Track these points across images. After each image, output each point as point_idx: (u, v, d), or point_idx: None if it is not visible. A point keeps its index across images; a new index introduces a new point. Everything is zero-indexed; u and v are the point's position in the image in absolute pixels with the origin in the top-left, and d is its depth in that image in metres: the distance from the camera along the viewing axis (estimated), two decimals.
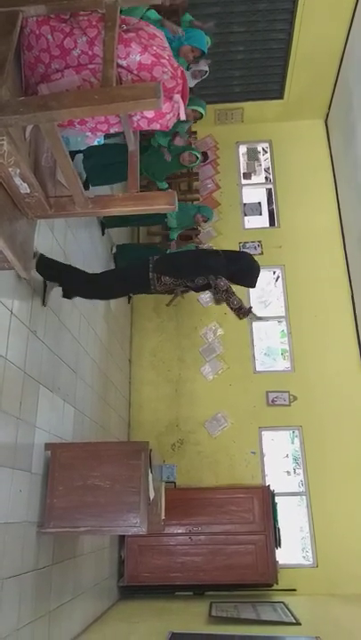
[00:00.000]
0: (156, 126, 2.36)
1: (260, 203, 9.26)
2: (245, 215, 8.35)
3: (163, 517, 4.24)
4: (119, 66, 2.13)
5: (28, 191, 2.24)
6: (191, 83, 5.00)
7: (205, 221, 6.37)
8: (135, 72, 2.16)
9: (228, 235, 7.72)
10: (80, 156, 4.55)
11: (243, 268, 3.67)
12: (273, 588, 5.59)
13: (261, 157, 9.11)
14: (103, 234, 5.66)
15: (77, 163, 4.58)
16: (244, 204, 8.40)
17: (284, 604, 4.98)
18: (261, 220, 8.92)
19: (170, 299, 7.07)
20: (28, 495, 3.14)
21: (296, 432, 6.94)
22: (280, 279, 7.76)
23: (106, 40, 2.08)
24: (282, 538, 5.75)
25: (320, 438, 6.50)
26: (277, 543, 5.64)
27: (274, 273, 8.28)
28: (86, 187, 4.70)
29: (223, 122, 8.39)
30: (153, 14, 4.02)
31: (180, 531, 5.65)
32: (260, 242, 7.65)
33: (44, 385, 3.51)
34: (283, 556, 5.89)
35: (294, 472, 8.74)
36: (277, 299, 8.06)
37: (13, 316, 3.06)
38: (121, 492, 3.33)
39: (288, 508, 7.21)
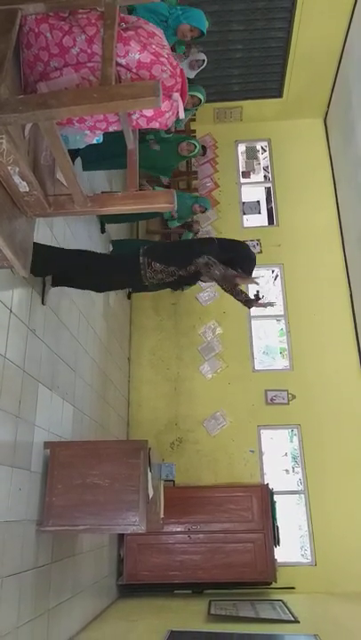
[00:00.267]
0: (156, 125, 2.35)
1: (258, 201, 9.27)
2: (244, 214, 8.36)
3: (162, 516, 4.25)
4: (118, 64, 2.13)
5: (27, 190, 2.24)
6: (190, 74, 4.96)
7: (203, 212, 6.35)
8: (134, 70, 2.16)
9: (227, 233, 7.69)
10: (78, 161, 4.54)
11: (237, 257, 3.58)
12: (272, 586, 5.61)
13: (260, 156, 9.10)
14: (103, 232, 5.65)
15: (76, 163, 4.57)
16: (243, 203, 8.40)
17: (283, 602, 4.98)
18: (260, 219, 8.92)
19: (169, 299, 7.08)
20: (27, 493, 3.15)
21: (295, 430, 6.95)
22: (279, 278, 7.76)
23: (105, 38, 2.08)
24: (280, 536, 5.76)
25: (319, 437, 6.51)
26: (276, 541, 5.65)
27: (273, 272, 8.29)
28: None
29: (222, 120, 8.38)
30: None
31: (178, 529, 5.65)
32: (258, 240, 7.65)
33: (43, 383, 3.51)
34: (281, 554, 5.90)
35: (293, 470, 8.75)
36: (276, 297, 8.05)
37: (12, 315, 3.06)
38: (120, 491, 3.34)
39: (287, 506, 7.23)
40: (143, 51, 2.16)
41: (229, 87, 7.91)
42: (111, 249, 6.00)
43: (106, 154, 4.38)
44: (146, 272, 3.39)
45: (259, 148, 8.97)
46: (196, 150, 5.43)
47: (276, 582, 5.54)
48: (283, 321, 7.44)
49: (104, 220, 5.60)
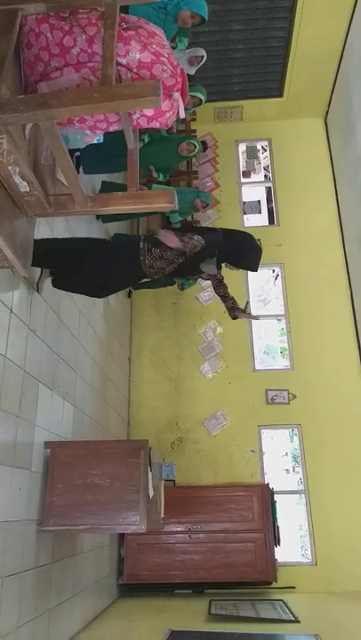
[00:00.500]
0: (156, 124, 2.36)
1: (259, 201, 9.27)
2: (245, 214, 8.36)
3: (162, 516, 4.25)
4: (119, 64, 2.13)
5: (28, 190, 2.24)
6: (190, 70, 4.94)
7: (205, 207, 6.29)
8: (135, 70, 2.16)
9: None
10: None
11: (242, 248, 3.50)
12: (272, 586, 5.61)
13: (261, 156, 9.10)
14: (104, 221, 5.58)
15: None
16: (244, 203, 8.40)
17: (284, 601, 4.98)
18: (261, 219, 8.92)
19: (169, 298, 7.08)
20: (27, 493, 3.15)
21: (295, 430, 6.94)
22: (279, 277, 7.76)
23: (105, 38, 2.08)
24: (281, 536, 5.76)
25: (319, 436, 6.51)
26: (276, 541, 5.65)
27: (273, 271, 8.29)
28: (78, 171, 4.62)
29: (223, 120, 8.38)
30: None
31: (179, 529, 5.65)
32: (259, 240, 7.49)
33: (43, 383, 3.51)
34: (282, 554, 5.90)
35: (293, 470, 8.75)
36: (277, 297, 8.07)
37: (13, 315, 3.06)
38: (120, 491, 3.34)
39: (287, 506, 7.23)
40: (144, 50, 2.16)
41: (230, 87, 7.90)
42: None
43: (106, 154, 4.36)
44: (145, 259, 3.28)
45: (259, 147, 8.97)
46: (196, 150, 5.39)
47: (276, 582, 5.54)
48: (283, 320, 7.43)
49: (102, 218, 5.57)
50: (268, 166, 8.70)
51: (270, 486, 5.93)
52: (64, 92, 1.95)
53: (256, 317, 4.26)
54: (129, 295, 7.13)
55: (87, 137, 2.50)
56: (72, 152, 4.40)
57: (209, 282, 3.89)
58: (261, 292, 9.02)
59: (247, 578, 5.54)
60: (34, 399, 3.35)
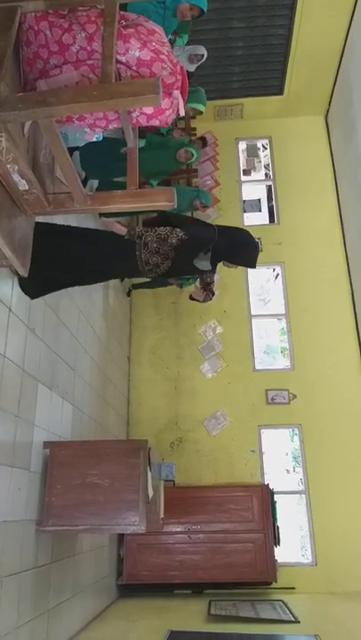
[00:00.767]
0: (156, 122, 2.34)
1: (259, 199, 9.25)
2: (245, 212, 8.35)
3: (162, 516, 4.24)
4: (118, 62, 2.11)
5: (27, 188, 2.23)
6: (190, 68, 4.92)
7: (204, 207, 6.28)
8: (134, 68, 2.14)
9: None
10: (77, 154, 4.50)
11: (236, 243, 3.46)
12: (272, 586, 5.60)
13: (261, 154, 9.08)
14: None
15: (75, 160, 4.56)
16: (244, 201, 8.39)
17: (283, 602, 4.98)
18: (261, 217, 8.91)
19: (169, 297, 7.06)
20: (26, 493, 3.13)
21: (295, 430, 6.93)
22: (280, 276, 7.74)
23: (105, 36, 2.06)
24: (281, 536, 5.75)
25: (320, 436, 6.50)
26: (276, 541, 5.64)
27: (273, 270, 8.27)
28: (85, 182, 4.65)
29: (223, 118, 8.36)
30: None
31: (178, 529, 5.65)
32: (259, 239, 7.48)
33: (42, 383, 3.49)
34: (282, 554, 5.89)
35: (294, 470, 8.74)
36: (277, 296, 8.05)
37: (12, 314, 3.04)
38: (120, 491, 3.33)
39: (287, 506, 7.21)
40: (143, 48, 2.15)
41: (230, 84, 7.89)
42: None
43: (108, 162, 4.36)
44: (141, 253, 3.25)
45: (259, 145, 8.95)
46: (194, 158, 5.42)
47: (276, 582, 5.54)
48: (283, 320, 7.42)
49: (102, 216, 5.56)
50: (268, 164, 8.69)
51: (270, 486, 5.92)
52: (63, 90, 1.93)
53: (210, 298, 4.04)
54: (128, 294, 7.12)
55: (86, 135, 2.48)
56: (70, 150, 4.40)
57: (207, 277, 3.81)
58: (262, 291, 9.00)
59: (247, 578, 5.53)
60: (33, 399, 3.34)
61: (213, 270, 3.57)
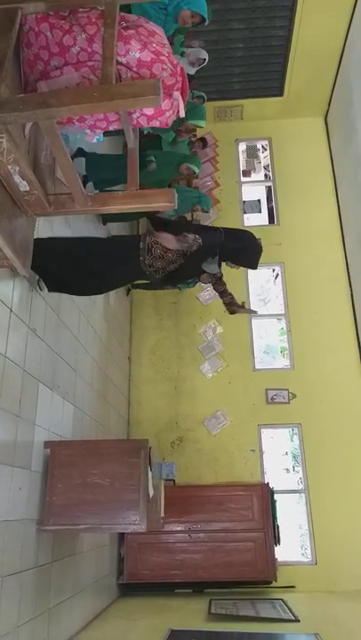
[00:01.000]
0: (156, 123, 2.35)
1: (259, 200, 9.25)
2: (245, 213, 8.35)
3: (162, 515, 4.25)
4: (119, 63, 2.12)
5: (28, 189, 2.24)
6: (190, 70, 4.96)
7: (204, 212, 6.35)
8: (135, 69, 2.15)
9: None
10: (83, 160, 4.57)
11: (244, 246, 3.53)
12: (272, 585, 5.61)
13: (261, 155, 9.09)
14: (105, 223, 5.61)
15: (80, 164, 4.59)
16: (244, 202, 8.39)
17: (283, 601, 4.98)
18: (261, 218, 8.90)
19: (169, 298, 7.08)
20: (27, 493, 3.14)
21: (295, 430, 6.94)
22: (280, 277, 7.75)
23: (105, 37, 2.07)
24: (281, 535, 5.76)
25: (319, 436, 6.51)
26: (276, 540, 5.65)
27: (273, 271, 8.28)
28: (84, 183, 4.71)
29: (223, 119, 8.37)
30: None
31: (179, 528, 5.65)
32: (259, 239, 7.61)
33: (43, 383, 3.51)
34: (282, 553, 5.90)
35: (293, 470, 8.76)
36: (277, 296, 8.06)
37: (13, 314, 3.06)
38: (120, 490, 3.33)
39: (287, 505, 7.22)
40: (144, 49, 2.16)
41: (230, 86, 7.90)
42: None
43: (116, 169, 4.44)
44: (145, 258, 3.30)
45: (259, 146, 8.96)
46: (195, 174, 5.65)
47: (276, 581, 5.54)
48: (283, 320, 7.43)
49: (104, 217, 5.59)
50: (268, 165, 8.70)
51: (270, 486, 5.93)
52: (64, 92, 1.95)
53: (254, 312, 4.34)
54: (127, 293, 7.13)
55: (87, 136, 2.49)
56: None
57: (207, 282, 3.89)
58: (261, 291, 9.01)
59: (247, 577, 5.54)
60: (34, 399, 3.35)
61: (220, 270, 3.64)
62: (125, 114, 2.28)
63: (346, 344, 6.94)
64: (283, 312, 7.40)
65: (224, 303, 3.86)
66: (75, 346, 4.34)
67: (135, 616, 4.70)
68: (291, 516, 7.43)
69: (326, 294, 7.21)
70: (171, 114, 2.32)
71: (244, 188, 8.43)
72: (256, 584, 5.65)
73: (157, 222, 3.56)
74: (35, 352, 3.38)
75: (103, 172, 4.62)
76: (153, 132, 5.11)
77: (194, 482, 6.27)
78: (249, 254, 3.59)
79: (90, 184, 4.68)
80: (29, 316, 3.32)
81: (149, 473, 3.45)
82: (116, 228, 6.31)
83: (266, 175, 8.92)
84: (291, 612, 4.55)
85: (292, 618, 4.37)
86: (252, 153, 8.83)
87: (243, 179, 8.46)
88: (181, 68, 2.33)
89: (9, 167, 2.08)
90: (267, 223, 8.46)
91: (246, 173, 8.73)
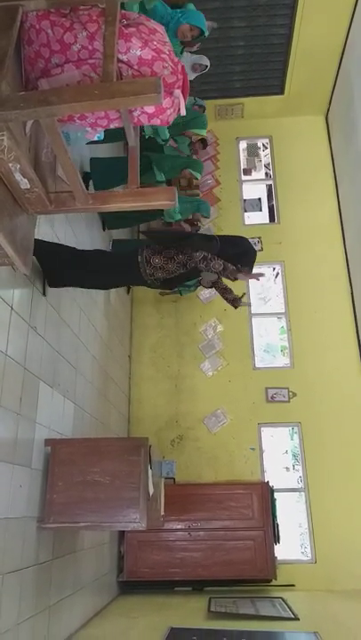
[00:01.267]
0: (157, 122, 2.34)
1: (260, 199, 9.25)
2: (245, 211, 8.35)
3: (162, 513, 4.25)
4: (119, 61, 2.12)
5: (29, 187, 2.23)
6: (191, 76, 4.99)
7: (204, 217, 6.38)
8: (136, 67, 2.15)
9: (228, 231, 7.68)
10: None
11: (241, 252, 3.68)
12: (272, 583, 5.62)
13: (262, 153, 9.08)
14: (104, 229, 5.65)
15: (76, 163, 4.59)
16: (244, 200, 8.39)
17: (283, 599, 4.99)
18: (261, 217, 8.91)
19: (170, 296, 7.08)
20: (28, 490, 3.15)
21: (295, 428, 6.95)
22: (280, 275, 7.75)
23: (106, 35, 2.07)
24: (281, 534, 5.77)
25: (319, 435, 6.51)
26: (276, 539, 5.66)
27: (273, 269, 8.28)
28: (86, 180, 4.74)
29: (223, 117, 8.37)
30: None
31: (179, 526, 5.66)
32: (259, 238, 7.64)
33: (44, 381, 3.51)
34: (281, 551, 5.91)
35: (293, 468, 8.76)
36: (277, 295, 8.06)
37: (13, 312, 3.06)
38: (121, 488, 3.34)
39: (287, 504, 7.23)
40: (144, 47, 2.15)
41: (231, 84, 7.89)
42: (111, 248, 6.00)
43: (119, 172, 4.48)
44: (145, 269, 3.49)
45: (260, 145, 8.95)
46: (197, 179, 5.75)
47: (276, 580, 5.55)
48: (284, 318, 7.43)
49: (106, 219, 5.60)
50: (268, 164, 8.69)
51: (270, 484, 5.94)
52: (65, 89, 1.94)
53: (249, 305, 4.42)
54: (128, 292, 7.13)
55: (88, 134, 2.49)
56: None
57: (207, 285, 4.04)
58: (262, 289, 9.01)
59: (247, 575, 5.55)
60: (34, 397, 3.35)
61: (219, 277, 3.80)
62: (126, 112, 2.28)
63: (346, 343, 6.94)
64: (283, 311, 7.40)
65: (228, 300, 4.00)
66: (75, 344, 4.34)
67: (135, 614, 4.71)
68: (290, 515, 7.44)
69: (327, 293, 7.21)
70: (172, 112, 2.32)
71: (245, 187, 8.43)
72: (256, 582, 5.66)
73: (156, 238, 3.72)
74: (35, 350, 3.38)
75: (115, 179, 4.69)
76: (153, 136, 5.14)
77: (194, 480, 6.28)
78: (247, 258, 3.71)
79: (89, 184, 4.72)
80: (30, 313, 3.32)
81: (149, 471, 3.46)
82: (117, 230, 6.31)
83: (266, 173, 8.91)
84: (290, 610, 4.56)
85: (292, 616, 4.38)
86: (252, 151, 8.82)
87: (243, 177, 8.46)
88: (182, 66, 2.33)
89: (10, 165, 2.08)
90: (267, 221, 8.46)
91: (247, 172, 8.72)
